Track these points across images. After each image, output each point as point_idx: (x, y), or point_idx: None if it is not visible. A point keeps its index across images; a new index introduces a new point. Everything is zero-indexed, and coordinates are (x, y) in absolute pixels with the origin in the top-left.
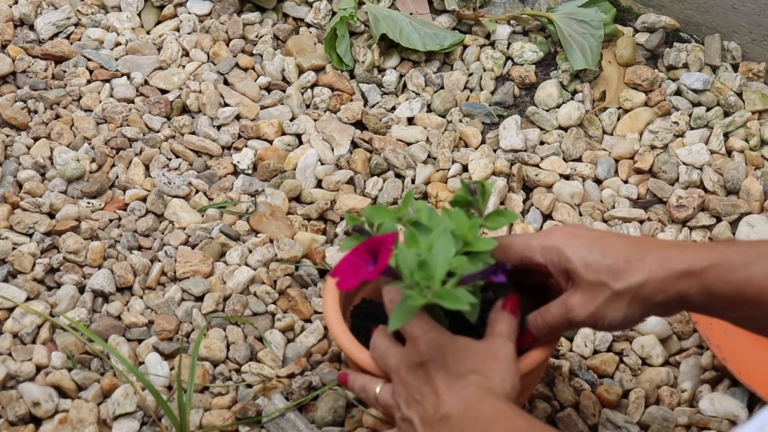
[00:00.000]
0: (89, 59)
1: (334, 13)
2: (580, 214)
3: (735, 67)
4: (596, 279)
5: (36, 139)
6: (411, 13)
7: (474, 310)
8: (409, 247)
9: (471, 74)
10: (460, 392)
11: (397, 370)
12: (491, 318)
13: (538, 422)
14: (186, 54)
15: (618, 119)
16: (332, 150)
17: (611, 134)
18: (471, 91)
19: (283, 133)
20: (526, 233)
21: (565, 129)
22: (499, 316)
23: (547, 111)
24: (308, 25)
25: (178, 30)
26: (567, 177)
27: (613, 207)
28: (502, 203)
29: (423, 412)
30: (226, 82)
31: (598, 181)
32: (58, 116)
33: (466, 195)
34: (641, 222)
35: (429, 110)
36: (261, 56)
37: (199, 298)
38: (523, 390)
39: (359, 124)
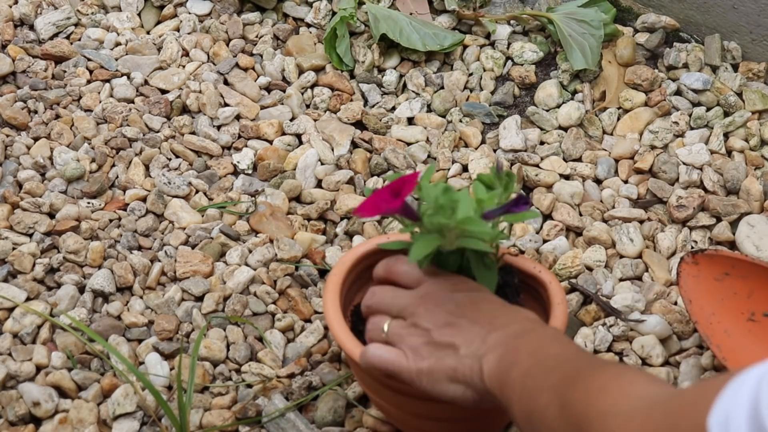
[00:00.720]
0: (89, 59)
1: (334, 13)
2: (580, 214)
3: (735, 67)
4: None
5: (36, 139)
6: (411, 13)
7: (491, 279)
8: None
9: (471, 74)
10: (519, 320)
11: (421, 300)
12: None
13: (588, 353)
14: (186, 54)
15: (618, 119)
16: (332, 150)
17: (611, 134)
18: (471, 91)
19: (283, 133)
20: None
21: (565, 129)
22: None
23: (547, 111)
24: (308, 25)
25: (178, 30)
26: (567, 177)
27: (613, 207)
28: None
29: (471, 330)
30: (226, 82)
31: (598, 181)
32: (58, 116)
33: (492, 177)
34: (641, 222)
35: (429, 110)
36: (261, 56)
37: (199, 298)
38: None
39: (359, 124)
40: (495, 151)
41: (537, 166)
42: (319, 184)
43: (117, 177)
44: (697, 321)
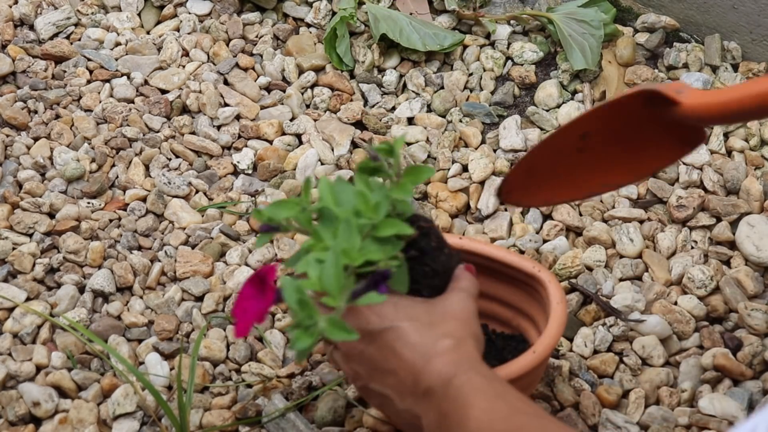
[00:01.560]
0: (89, 59)
1: (334, 13)
2: (580, 214)
3: (735, 67)
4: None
5: (36, 139)
6: (411, 13)
7: (402, 280)
8: (311, 248)
9: (471, 74)
10: (437, 363)
11: (342, 356)
12: (456, 274)
13: (516, 401)
14: (186, 54)
15: None
16: (332, 150)
17: None
18: (471, 91)
19: (283, 133)
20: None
21: None
22: (464, 274)
23: (547, 111)
24: (308, 25)
25: (178, 30)
26: None
27: (613, 207)
28: (502, 203)
29: (397, 383)
30: (226, 82)
31: None
32: (58, 116)
33: (372, 164)
34: (641, 222)
35: (429, 110)
36: (261, 56)
37: (199, 298)
38: (522, 390)
39: (359, 124)
40: (495, 150)
41: None
42: None
43: (117, 177)
44: None
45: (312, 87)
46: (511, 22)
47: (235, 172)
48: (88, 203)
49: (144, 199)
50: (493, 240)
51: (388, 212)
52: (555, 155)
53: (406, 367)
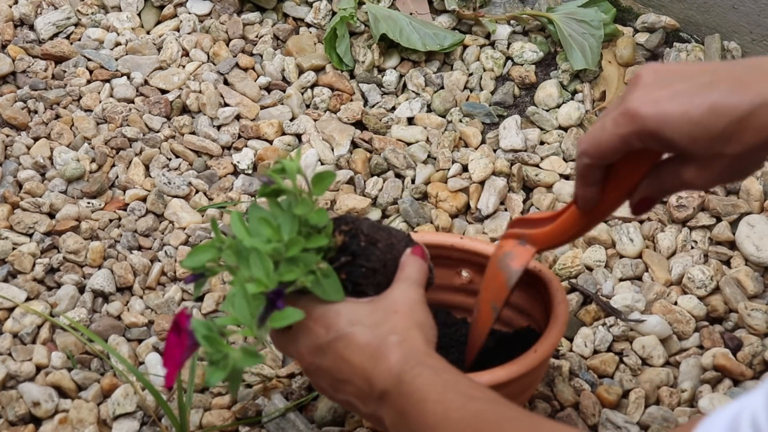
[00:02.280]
0: (89, 59)
1: (334, 13)
2: None
3: None
4: (709, 152)
5: (36, 139)
6: (411, 13)
7: (334, 290)
8: (234, 282)
9: (471, 74)
10: (385, 363)
11: (300, 356)
12: (401, 262)
13: (468, 390)
14: (186, 54)
15: None
16: (332, 150)
17: None
18: (471, 91)
19: (283, 133)
20: (604, 118)
21: (565, 129)
22: (409, 260)
23: (547, 111)
24: (308, 25)
25: (178, 30)
26: (567, 177)
27: None
28: (502, 203)
29: (357, 391)
30: (226, 82)
31: None
32: (58, 116)
33: (269, 188)
34: (641, 222)
35: (429, 110)
36: (261, 56)
37: (199, 298)
38: (523, 390)
39: (359, 124)
40: (495, 150)
41: (537, 166)
42: None
43: (117, 177)
44: None
45: (312, 87)
46: (511, 22)
47: (235, 172)
48: (88, 203)
49: (144, 199)
50: (493, 240)
51: (302, 228)
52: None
53: (359, 374)
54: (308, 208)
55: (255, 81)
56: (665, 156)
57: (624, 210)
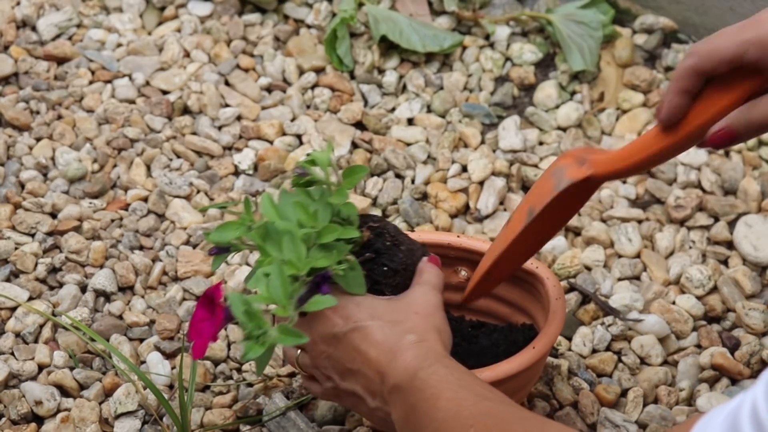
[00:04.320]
0: (91, 60)
1: (334, 15)
2: (579, 214)
3: None
4: None
5: (38, 140)
6: (411, 15)
7: (357, 283)
8: (261, 263)
9: (470, 75)
10: (402, 359)
11: (313, 343)
12: (419, 268)
13: (480, 389)
14: (187, 55)
15: (617, 120)
16: (333, 150)
17: (610, 135)
18: (470, 91)
19: (284, 134)
20: (725, 29)
21: (564, 129)
22: (427, 267)
23: (546, 112)
24: (309, 27)
25: (179, 31)
26: None
27: (612, 207)
28: (501, 203)
29: (367, 383)
30: (227, 83)
31: None
32: (60, 117)
33: (301, 179)
34: (639, 222)
35: (429, 111)
36: (262, 57)
37: None
38: (521, 386)
39: (359, 125)
40: (494, 151)
41: (536, 166)
42: None
43: (119, 177)
44: None
45: (312, 88)
46: (510, 23)
47: (236, 173)
48: (90, 203)
49: (145, 199)
50: (492, 239)
51: (332, 218)
52: (511, 258)
53: (373, 366)
54: (342, 198)
55: (256, 82)
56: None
57: (624, 210)
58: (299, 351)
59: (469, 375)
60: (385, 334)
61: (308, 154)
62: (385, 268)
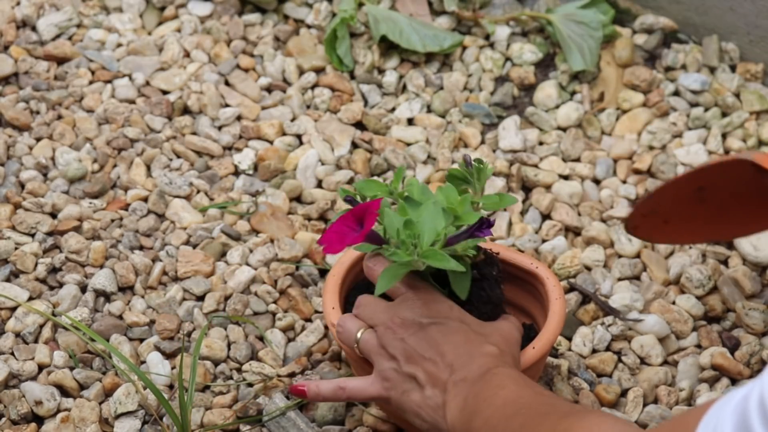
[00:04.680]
0: (91, 60)
1: (334, 15)
2: (579, 214)
3: (733, 68)
4: None
5: (38, 140)
6: (411, 15)
7: (464, 284)
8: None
9: (470, 75)
10: (477, 361)
11: (392, 323)
12: (505, 316)
13: (544, 391)
14: (187, 55)
15: (617, 120)
16: (332, 150)
17: (610, 135)
18: (470, 91)
19: (284, 134)
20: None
21: (564, 129)
22: (512, 319)
23: (546, 112)
24: (309, 27)
25: (179, 31)
26: (566, 177)
27: (612, 207)
28: None
29: (434, 371)
30: (227, 83)
31: (596, 182)
32: (60, 117)
33: (462, 170)
34: None
35: (429, 111)
36: (262, 57)
37: (200, 298)
38: None
39: (359, 125)
40: (494, 151)
41: (536, 166)
42: (319, 185)
43: (119, 177)
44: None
45: (312, 88)
46: (510, 23)
47: (236, 173)
48: (90, 203)
49: (145, 199)
50: (492, 239)
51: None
52: (676, 202)
53: (447, 360)
54: (491, 206)
55: (256, 82)
56: None
57: (624, 210)
58: (362, 330)
59: (536, 384)
60: (468, 338)
61: (478, 160)
62: (483, 294)
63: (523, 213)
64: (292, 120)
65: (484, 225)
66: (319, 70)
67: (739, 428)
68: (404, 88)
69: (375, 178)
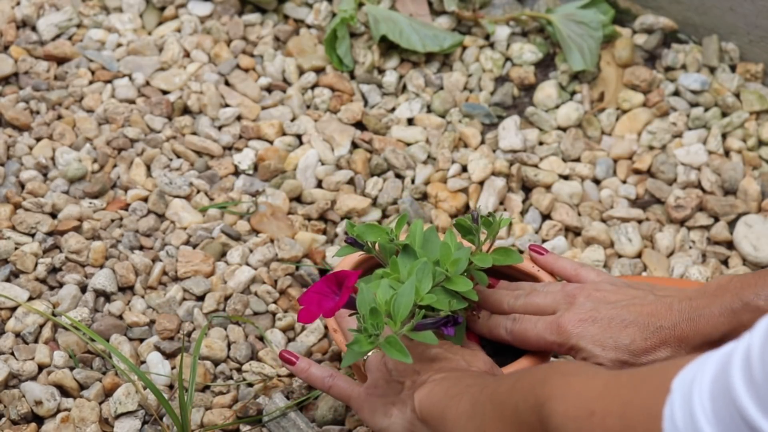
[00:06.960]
0: (91, 60)
1: (334, 15)
2: (579, 214)
3: (733, 68)
4: (616, 358)
5: (38, 140)
6: (410, 15)
7: (460, 334)
8: (388, 275)
9: (470, 75)
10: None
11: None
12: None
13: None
14: (187, 55)
15: (616, 120)
16: (332, 150)
17: (610, 135)
18: (470, 91)
19: (284, 134)
20: (539, 322)
21: (564, 129)
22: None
23: (546, 112)
24: (309, 27)
25: (179, 31)
26: (566, 177)
27: (612, 207)
28: (501, 203)
29: (411, 384)
30: (227, 83)
31: (596, 182)
32: (60, 117)
33: (468, 224)
34: (639, 222)
35: (429, 111)
36: (262, 57)
37: (200, 298)
38: None
39: (359, 125)
40: (494, 151)
41: (536, 166)
42: (319, 185)
43: (119, 177)
44: None
45: (312, 88)
46: (510, 23)
47: (236, 173)
48: (90, 203)
49: (145, 199)
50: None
51: (464, 272)
52: None
53: (456, 369)
54: (485, 263)
55: (256, 82)
56: None
57: (624, 210)
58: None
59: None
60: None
61: (488, 215)
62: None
63: (523, 213)
64: (292, 120)
65: (450, 323)
66: (319, 70)
67: (719, 376)
68: (404, 88)
69: (381, 228)
